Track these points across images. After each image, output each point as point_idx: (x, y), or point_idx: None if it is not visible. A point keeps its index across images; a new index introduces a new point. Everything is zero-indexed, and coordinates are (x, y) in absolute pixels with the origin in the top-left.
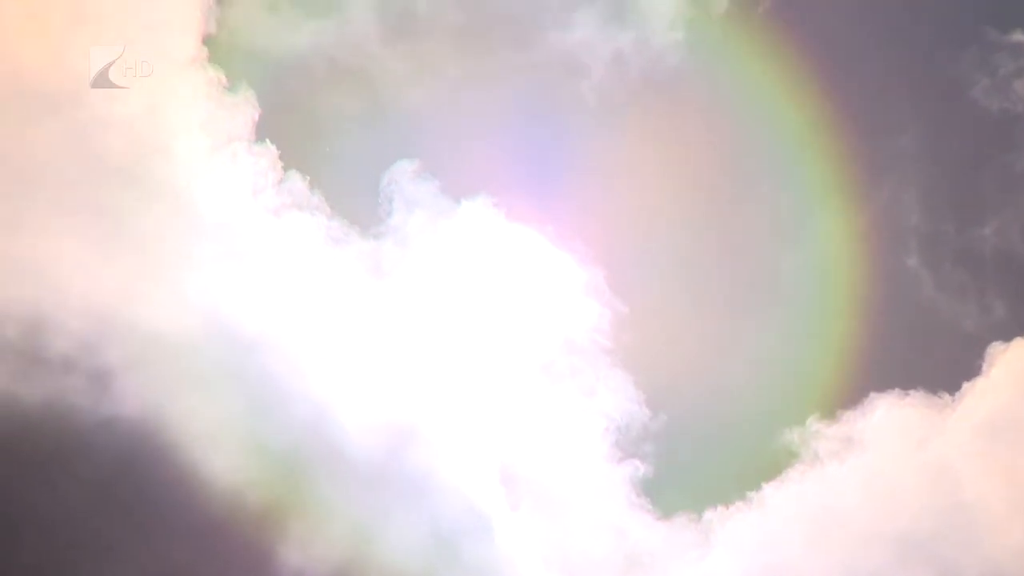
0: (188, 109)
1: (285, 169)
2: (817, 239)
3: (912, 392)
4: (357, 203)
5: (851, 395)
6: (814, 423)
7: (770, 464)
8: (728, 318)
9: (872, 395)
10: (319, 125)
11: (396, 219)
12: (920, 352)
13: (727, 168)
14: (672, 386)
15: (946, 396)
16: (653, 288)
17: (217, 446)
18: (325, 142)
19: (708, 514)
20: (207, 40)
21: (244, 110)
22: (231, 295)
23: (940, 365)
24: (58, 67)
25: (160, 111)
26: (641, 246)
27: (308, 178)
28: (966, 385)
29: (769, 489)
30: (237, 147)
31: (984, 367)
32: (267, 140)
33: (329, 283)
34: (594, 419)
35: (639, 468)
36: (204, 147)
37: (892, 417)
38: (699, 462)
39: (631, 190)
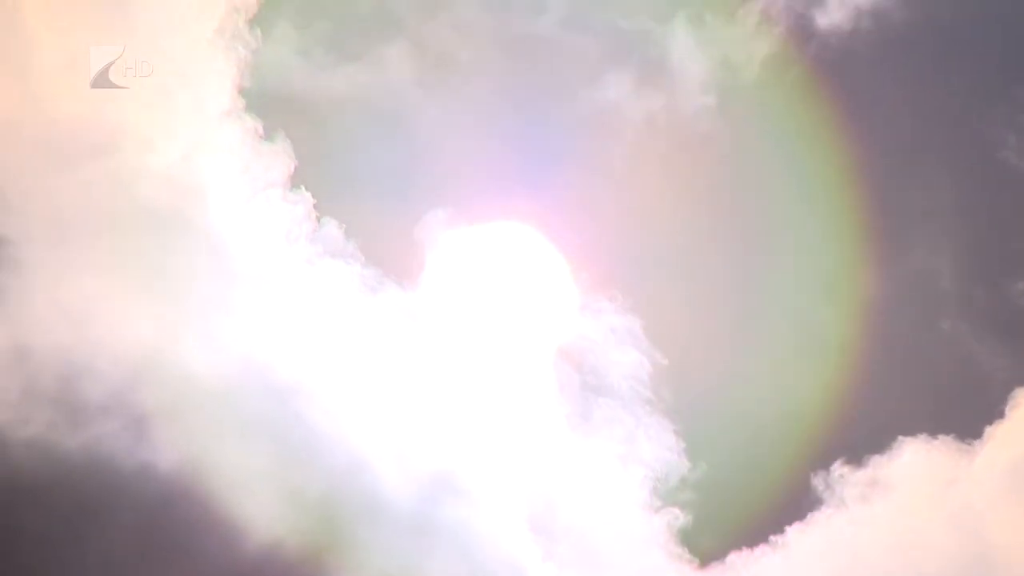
0: (224, 158)
1: (320, 217)
2: (850, 292)
3: (940, 436)
4: (392, 250)
5: (879, 439)
6: (839, 467)
7: (797, 508)
8: (762, 367)
9: (900, 439)
10: (354, 173)
11: (430, 267)
12: (948, 397)
13: (761, 227)
14: (711, 435)
15: (972, 441)
16: (690, 339)
17: (254, 493)
18: (360, 190)
19: (732, 556)
20: (243, 91)
21: (280, 158)
22: (268, 342)
23: (966, 410)
24: (97, 115)
25: (196, 160)
26: (677, 298)
27: (344, 226)
28: (988, 430)
29: (794, 532)
30: (273, 195)
31: (1007, 411)
32: (302, 187)
33: (364, 331)
34: (633, 467)
35: (678, 517)
36: (240, 195)
37: (919, 461)
38: (734, 509)
39: (666, 246)
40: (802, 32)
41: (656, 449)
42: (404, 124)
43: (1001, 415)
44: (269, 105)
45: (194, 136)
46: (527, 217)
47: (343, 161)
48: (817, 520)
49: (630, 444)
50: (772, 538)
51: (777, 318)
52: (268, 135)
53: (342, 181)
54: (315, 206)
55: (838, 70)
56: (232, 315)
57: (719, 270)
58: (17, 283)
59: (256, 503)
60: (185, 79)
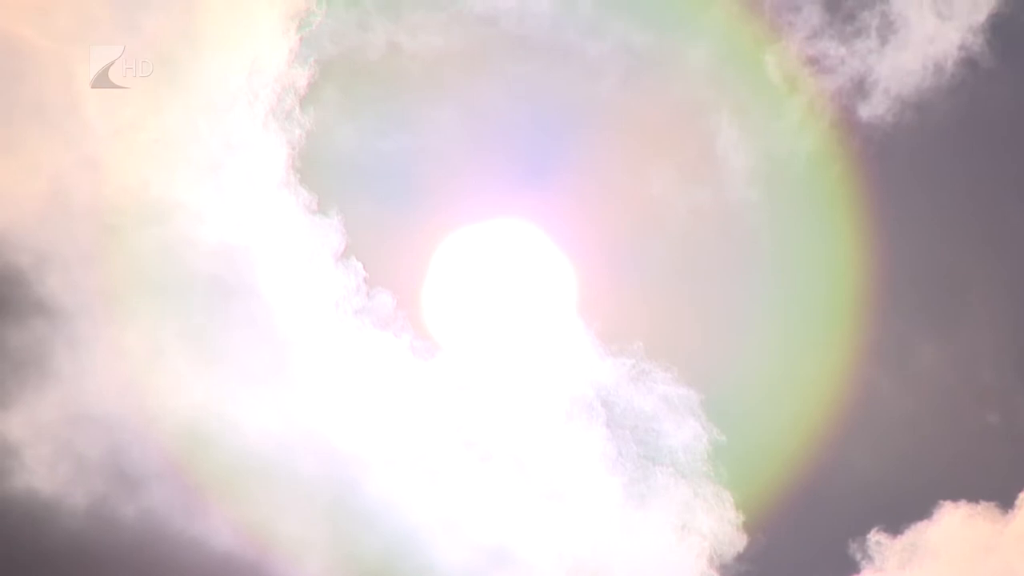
0: (277, 229)
1: (371, 287)
2: (899, 367)
3: (981, 502)
4: (442, 320)
5: (919, 504)
6: (876, 534)
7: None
8: (818, 439)
9: (940, 503)
10: (405, 243)
11: (482, 337)
12: (987, 463)
13: (806, 317)
14: (770, 509)
15: (1009, 508)
16: (748, 416)
17: (308, 562)
18: (411, 260)
19: None
20: (296, 165)
21: (332, 231)
22: (321, 411)
23: (1006, 476)
24: (150, 185)
25: (249, 231)
26: (734, 377)
27: (396, 297)
28: (1022, 496)
29: None
30: (324, 266)
31: None
32: (353, 257)
33: (417, 400)
34: (690, 538)
35: None
36: (293, 266)
37: (958, 527)
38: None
39: (716, 329)
40: (847, 124)
41: (714, 521)
42: (456, 190)
43: None
44: (322, 178)
45: (247, 208)
46: (577, 290)
47: (394, 231)
48: None
49: (688, 514)
50: None
51: (827, 393)
52: (322, 208)
53: (393, 251)
54: (365, 279)
55: (882, 162)
56: (285, 384)
57: (770, 352)
58: (70, 352)
59: (311, 572)
60: (237, 153)
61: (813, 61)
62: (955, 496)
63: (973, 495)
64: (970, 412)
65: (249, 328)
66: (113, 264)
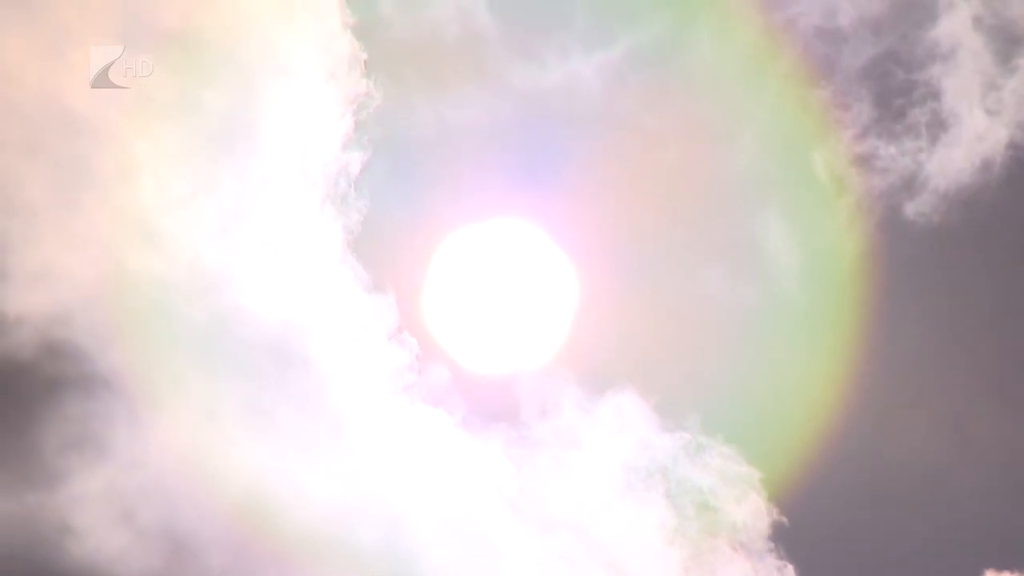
0: (333, 303)
1: (423, 361)
2: (946, 446)
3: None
4: (495, 397)
5: (964, 572)
6: None
7: None
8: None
9: (985, 572)
10: (459, 317)
11: (537, 414)
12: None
13: (854, 397)
14: None
15: None
16: (810, 497)
17: None
18: (464, 335)
19: None
20: (350, 241)
21: (386, 308)
22: (378, 484)
23: None
24: (203, 260)
25: (305, 304)
26: (799, 455)
27: (449, 373)
28: None
29: None
30: (378, 338)
31: None
32: (407, 332)
33: (474, 473)
34: None
35: None
36: (346, 341)
37: None
38: None
39: (773, 408)
40: (894, 222)
41: None
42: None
43: None
44: (376, 255)
45: (302, 284)
46: (631, 369)
47: (448, 304)
48: None
49: None
50: None
51: (881, 466)
52: (376, 285)
53: (446, 325)
54: (418, 356)
55: (929, 259)
56: (342, 457)
57: (822, 426)
58: (127, 425)
59: None
60: (293, 230)
61: (862, 159)
62: (999, 565)
63: (1019, 564)
64: (1018, 479)
65: (305, 401)
66: (169, 337)
